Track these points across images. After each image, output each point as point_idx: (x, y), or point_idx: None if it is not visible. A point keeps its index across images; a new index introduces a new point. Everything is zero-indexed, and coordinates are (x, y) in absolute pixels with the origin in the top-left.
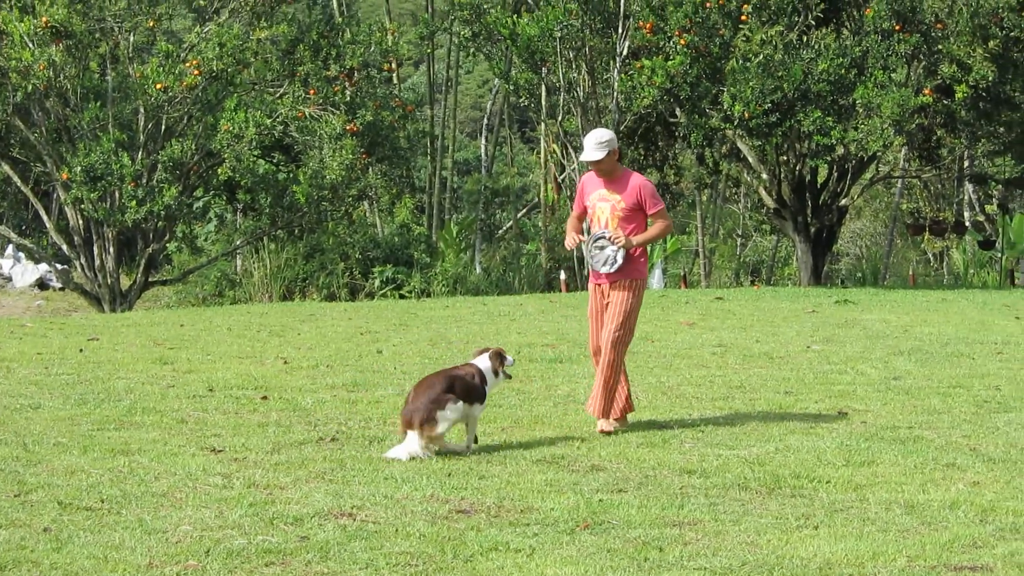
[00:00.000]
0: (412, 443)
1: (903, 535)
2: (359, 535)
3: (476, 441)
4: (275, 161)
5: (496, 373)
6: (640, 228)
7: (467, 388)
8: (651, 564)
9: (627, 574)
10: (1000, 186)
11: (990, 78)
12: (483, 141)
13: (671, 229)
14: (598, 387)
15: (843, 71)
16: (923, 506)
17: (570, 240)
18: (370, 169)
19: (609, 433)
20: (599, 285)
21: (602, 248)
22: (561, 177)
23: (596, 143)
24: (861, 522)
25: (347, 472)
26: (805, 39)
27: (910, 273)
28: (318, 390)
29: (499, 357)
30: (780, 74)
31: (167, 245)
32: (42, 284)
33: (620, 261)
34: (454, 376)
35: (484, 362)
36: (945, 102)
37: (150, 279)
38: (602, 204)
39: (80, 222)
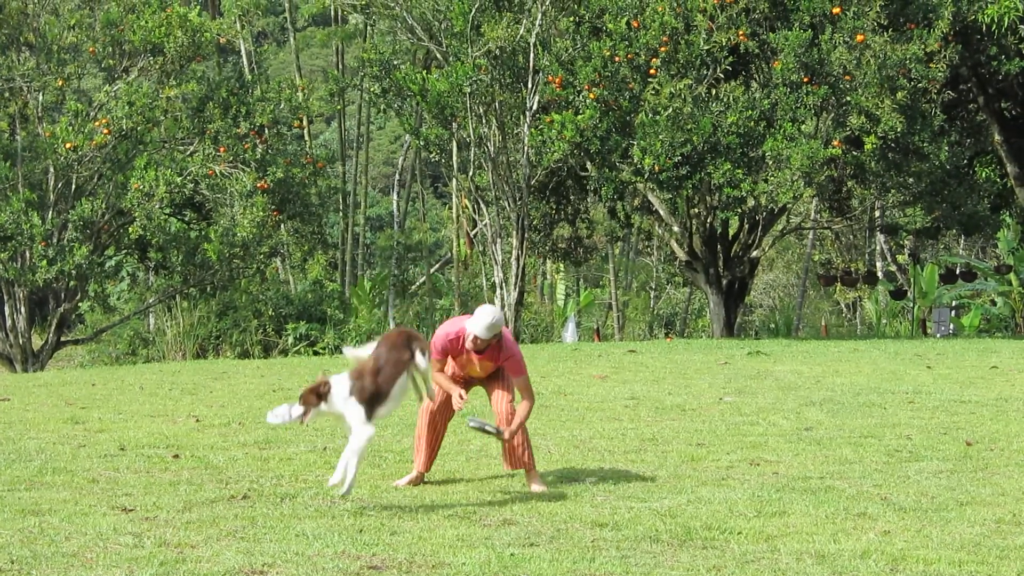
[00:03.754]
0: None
1: None
2: None
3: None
4: (186, 219)
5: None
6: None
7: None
8: None
9: None
10: (911, 236)
11: (899, 129)
12: (395, 196)
13: (531, 400)
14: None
15: (752, 123)
16: (834, 556)
17: (456, 401)
18: (282, 226)
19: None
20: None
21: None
22: (473, 232)
23: (488, 328)
24: (772, 573)
25: (259, 529)
26: (714, 92)
27: (823, 324)
28: (230, 448)
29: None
30: (689, 127)
31: (79, 304)
32: None
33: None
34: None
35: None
36: (854, 153)
37: (62, 339)
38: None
39: None
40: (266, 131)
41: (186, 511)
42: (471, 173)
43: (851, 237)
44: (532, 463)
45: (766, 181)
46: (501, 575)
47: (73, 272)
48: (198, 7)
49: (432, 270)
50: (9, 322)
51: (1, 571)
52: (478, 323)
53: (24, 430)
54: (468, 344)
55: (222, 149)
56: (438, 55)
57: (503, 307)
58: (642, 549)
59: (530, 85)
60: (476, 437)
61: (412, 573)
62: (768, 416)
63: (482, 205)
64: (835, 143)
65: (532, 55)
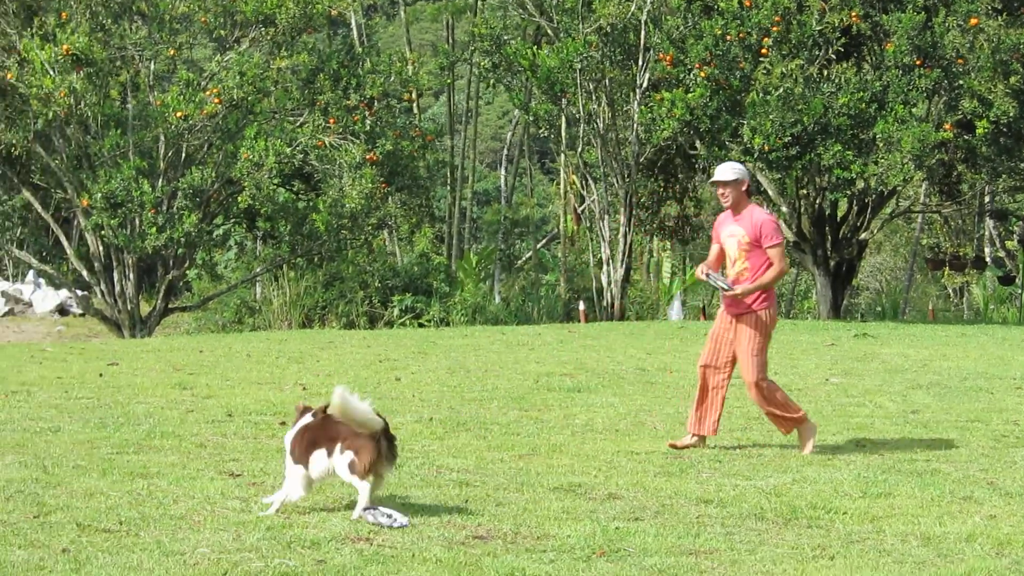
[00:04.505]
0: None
1: (919, 567)
2: (376, 559)
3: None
4: (295, 190)
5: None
6: (765, 263)
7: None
8: None
9: None
10: (1021, 222)
11: (1011, 114)
12: (503, 172)
13: (784, 271)
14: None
15: (863, 105)
16: (939, 538)
17: (698, 270)
18: (389, 198)
19: (683, 446)
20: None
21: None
22: (581, 208)
23: (728, 167)
24: (877, 553)
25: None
26: (825, 73)
27: (930, 308)
28: None
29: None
30: (800, 107)
31: (187, 272)
32: (62, 310)
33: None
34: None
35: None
36: (966, 137)
37: (170, 306)
38: (730, 240)
39: (100, 248)
40: (375, 103)
41: None
42: (580, 149)
43: (960, 222)
44: (794, 422)
45: (876, 163)
46: (606, 548)
47: (182, 240)
48: None
49: (539, 246)
50: (118, 288)
51: (110, 532)
52: (715, 172)
53: (133, 395)
54: (720, 198)
55: (331, 120)
56: (549, 31)
57: (609, 283)
58: (747, 526)
59: (640, 62)
60: (582, 412)
61: (517, 544)
62: (874, 398)
63: (590, 181)
64: (946, 127)
65: (643, 32)
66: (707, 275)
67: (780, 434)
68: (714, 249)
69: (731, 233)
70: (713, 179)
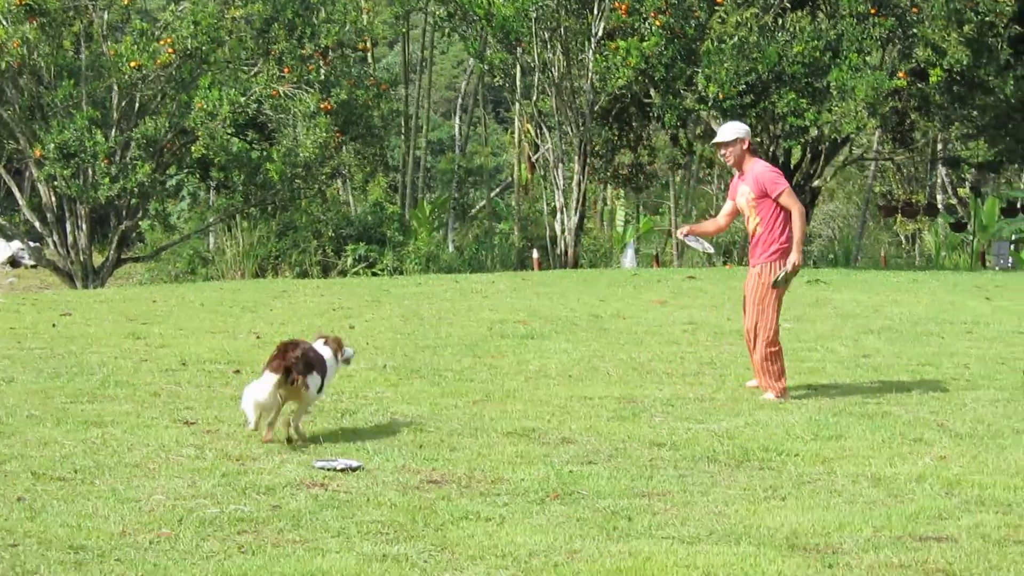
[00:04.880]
0: (267, 384)
1: (870, 507)
2: (331, 504)
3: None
4: (249, 139)
5: (336, 359)
6: (774, 212)
7: (322, 368)
8: (620, 533)
9: (596, 543)
10: (973, 169)
11: (964, 62)
12: (457, 121)
13: (803, 209)
14: (756, 367)
15: (818, 54)
16: (890, 479)
17: (680, 231)
18: (344, 148)
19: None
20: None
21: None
22: (535, 157)
23: (729, 128)
24: (828, 494)
25: (318, 443)
26: (780, 22)
27: (882, 254)
28: None
29: (338, 343)
30: (755, 56)
31: (140, 222)
32: (14, 261)
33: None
34: (318, 356)
35: (323, 349)
36: (919, 85)
37: (122, 256)
38: (741, 200)
39: (53, 199)
40: (330, 53)
41: (247, 425)
42: (534, 98)
43: (913, 169)
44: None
45: (830, 111)
46: (559, 491)
47: (135, 190)
48: None
49: (492, 194)
50: (71, 239)
51: (65, 480)
52: (717, 134)
53: (86, 344)
54: (723, 159)
55: (286, 70)
56: None
57: (563, 231)
58: (699, 469)
59: (596, 11)
60: (535, 358)
61: (471, 488)
62: (826, 343)
63: (544, 130)
64: (900, 75)
65: None
66: (686, 236)
67: (732, 379)
68: (726, 206)
69: (741, 193)
70: (714, 141)
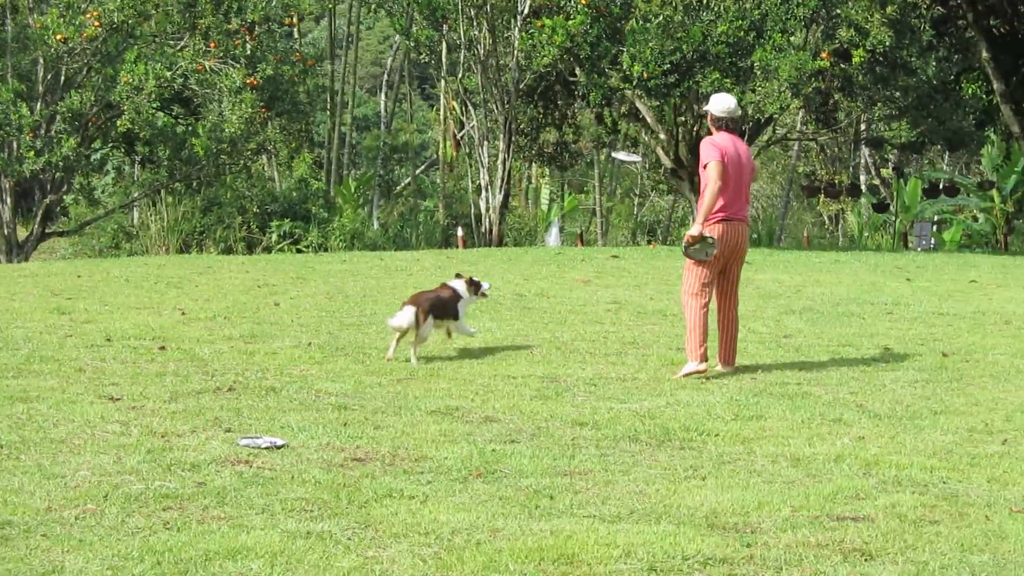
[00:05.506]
0: (408, 315)
1: (788, 486)
2: (255, 481)
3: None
4: (174, 114)
5: (470, 295)
6: (704, 184)
7: (445, 309)
8: (542, 511)
9: (518, 521)
10: (895, 150)
11: (887, 43)
12: (383, 97)
13: (714, 189)
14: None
15: (742, 33)
16: (809, 459)
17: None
18: (269, 123)
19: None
20: None
21: None
22: (460, 134)
23: (711, 98)
24: (748, 474)
25: (244, 421)
26: (705, 1)
27: (805, 235)
28: (215, 341)
29: (473, 284)
30: (679, 35)
31: (64, 197)
32: None
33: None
34: (438, 298)
35: (460, 286)
36: (842, 66)
37: (47, 230)
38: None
39: None
40: (257, 28)
41: (172, 401)
42: (460, 76)
43: (836, 149)
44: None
45: (754, 91)
46: (482, 469)
47: (60, 164)
48: None
49: (417, 171)
50: None
51: None
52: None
53: (10, 319)
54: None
55: (212, 45)
56: None
57: (487, 209)
58: (621, 448)
59: None
60: (461, 337)
61: (395, 466)
62: (748, 323)
63: (470, 107)
64: (823, 55)
65: None
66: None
67: (654, 358)
68: None
69: None
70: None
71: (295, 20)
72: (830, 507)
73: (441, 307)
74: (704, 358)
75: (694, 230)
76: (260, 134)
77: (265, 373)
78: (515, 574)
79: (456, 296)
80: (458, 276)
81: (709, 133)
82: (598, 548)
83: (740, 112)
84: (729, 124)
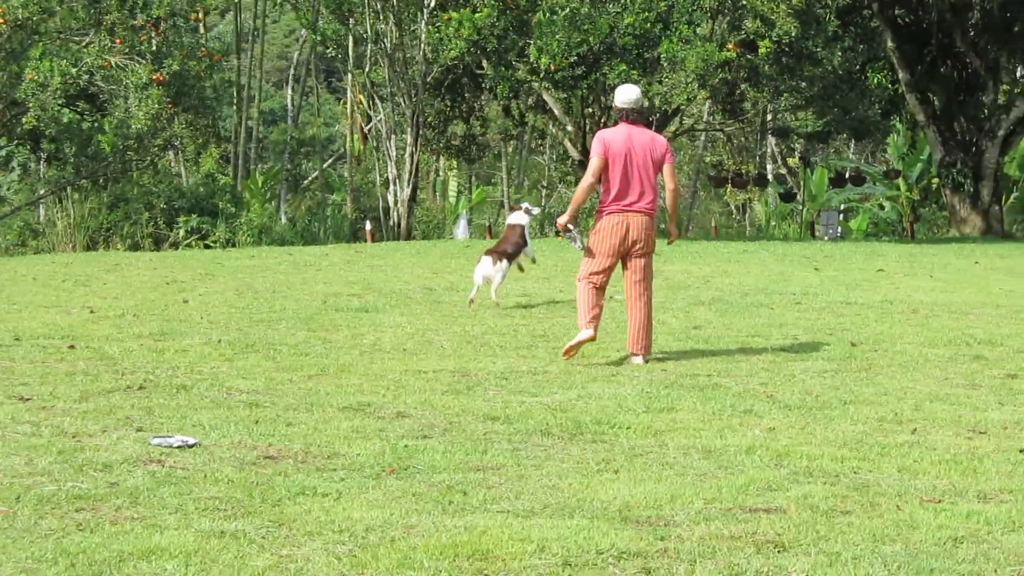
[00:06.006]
0: (487, 265)
1: (701, 479)
2: (168, 481)
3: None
4: (80, 111)
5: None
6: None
7: (516, 247)
8: (455, 507)
9: (432, 517)
10: (802, 140)
11: (793, 34)
12: (289, 91)
13: (582, 185)
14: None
15: (648, 25)
16: (720, 451)
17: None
18: (176, 119)
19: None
20: None
21: None
22: (367, 128)
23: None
24: (660, 466)
25: (155, 419)
26: None
27: (713, 225)
28: (125, 339)
29: (527, 211)
30: (586, 27)
31: None
32: None
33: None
34: (506, 247)
35: (520, 217)
36: (749, 57)
37: None
38: None
39: None
40: (162, 23)
41: (83, 401)
42: (367, 69)
43: (743, 140)
44: (645, 349)
45: (661, 83)
46: (395, 465)
47: None
48: None
49: (325, 165)
50: None
51: None
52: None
53: None
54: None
55: (118, 41)
56: None
57: (396, 203)
58: (533, 442)
59: None
60: (370, 332)
61: (307, 463)
62: (657, 314)
63: (377, 101)
64: (730, 46)
65: None
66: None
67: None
68: None
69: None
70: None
71: (200, 15)
72: (742, 499)
73: (515, 249)
74: (591, 325)
75: (560, 219)
76: (167, 130)
77: (175, 371)
78: (430, 571)
79: (521, 229)
80: (513, 209)
81: (617, 120)
82: (512, 543)
83: (643, 103)
84: (630, 115)
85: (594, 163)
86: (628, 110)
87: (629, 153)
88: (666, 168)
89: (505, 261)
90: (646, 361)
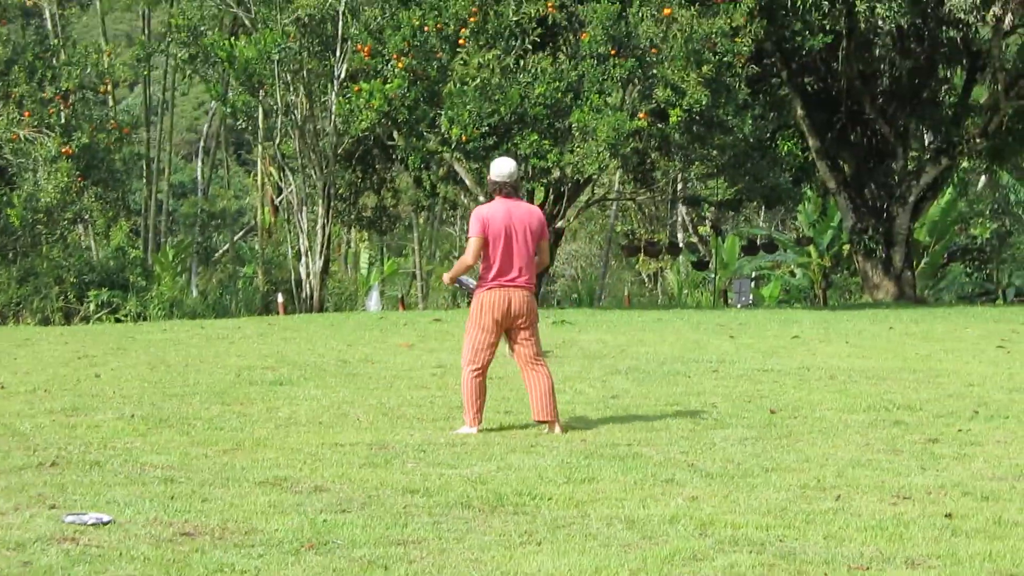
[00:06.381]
0: None
1: (625, 549)
2: (82, 559)
3: None
4: None
5: None
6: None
7: None
8: None
9: None
10: (713, 208)
11: (703, 102)
12: (199, 164)
13: (464, 259)
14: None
15: (559, 95)
16: (643, 521)
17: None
18: (85, 192)
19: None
20: None
21: None
22: (278, 200)
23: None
24: (583, 537)
25: (68, 496)
26: (522, 63)
27: (625, 294)
28: (36, 415)
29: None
30: (497, 98)
31: None
32: None
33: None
34: None
35: None
36: (659, 126)
37: None
38: None
39: None
40: (71, 96)
41: None
42: (277, 141)
43: (654, 208)
44: (555, 415)
45: (572, 152)
46: (314, 541)
47: None
48: None
49: (236, 238)
50: None
51: None
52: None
53: None
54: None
55: (27, 113)
56: (247, 21)
57: (308, 275)
58: (454, 515)
59: (339, 53)
60: (285, 405)
61: (225, 539)
62: (574, 384)
63: (287, 173)
64: (641, 115)
65: (341, 23)
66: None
67: (483, 423)
68: None
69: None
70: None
71: (110, 87)
72: (668, 569)
73: None
74: (475, 422)
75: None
76: (76, 203)
77: (88, 447)
78: None
79: None
80: None
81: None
82: None
83: (518, 176)
84: (505, 189)
85: (473, 244)
86: (503, 184)
87: (509, 229)
88: (542, 244)
89: None
90: (564, 430)
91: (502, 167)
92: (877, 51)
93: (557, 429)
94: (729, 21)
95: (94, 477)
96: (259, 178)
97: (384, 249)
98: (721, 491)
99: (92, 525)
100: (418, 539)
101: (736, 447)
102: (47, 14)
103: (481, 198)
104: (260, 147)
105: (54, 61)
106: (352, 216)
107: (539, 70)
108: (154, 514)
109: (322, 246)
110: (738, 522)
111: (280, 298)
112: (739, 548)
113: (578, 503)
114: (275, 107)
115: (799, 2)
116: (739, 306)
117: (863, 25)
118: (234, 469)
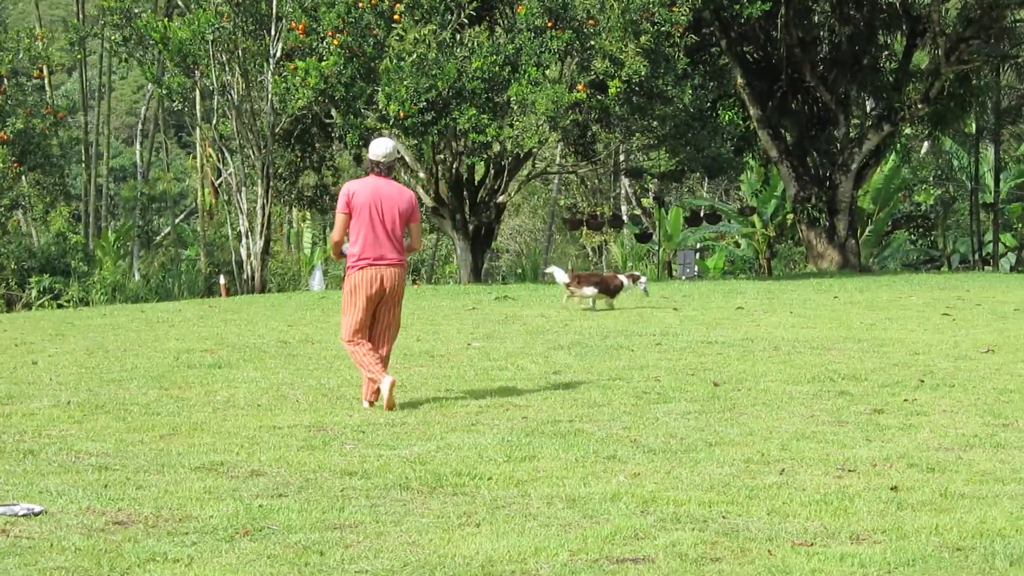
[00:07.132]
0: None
1: (565, 529)
2: (12, 551)
3: (612, 307)
4: None
5: (632, 283)
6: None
7: (607, 287)
8: (312, 569)
9: None
10: (655, 180)
11: (642, 73)
12: (138, 147)
13: (333, 238)
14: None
15: (497, 69)
16: (585, 499)
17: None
18: (23, 178)
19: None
20: None
21: None
22: (218, 181)
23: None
24: (523, 518)
25: (0, 487)
26: (458, 37)
27: (569, 268)
28: None
29: (633, 278)
30: (434, 73)
31: None
32: None
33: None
34: (605, 279)
35: (624, 278)
36: (599, 98)
37: None
38: None
39: None
40: (5, 82)
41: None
42: (215, 122)
43: (596, 181)
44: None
45: (511, 126)
46: (249, 527)
47: None
48: None
49: (177, 220)
50: None
51: None
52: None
53: None
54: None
55: None
56: (180, 2)
57: (249, 256)
58: (392, 497)
59: (273, 32)
60: (223, 388)
61: (158, 527)
62: (517, 360)
63: (226, 154)
64: (579, 87)
65: (275, 1)
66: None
67: (423, 402)
68: None
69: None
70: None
71: (45, 72)
72: (609, 548)
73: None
74: (384, 372)
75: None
76: (13, 189)
77: (23, 435)
78: None
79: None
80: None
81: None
82: None
83: (395, 157)
84: (379, 167)
85: (339, 220)
86: (377, 162)
87: (375, 205)
88: (412, 226)
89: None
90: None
91: (378, 147)
92: (816, 18)
93: (365, 404)
94: None
95: (27, 466)
96: (199, 160)
97: (326, 228)
98: (664, 467)
99: (23, 516)
100: (355, 523)
101: (679, 421)
102: None
103: (421, 173)
104: (198, 129)
105: None
106: (292, 196)
107: (476, 44)
108: (87, 503)
109: (262, 226)
110: (681, 499)
111: (222, 280)
112: (681, 525)
113: (518, 482)
114: (211, 88)
115: None
116: (683, 278)
117: None
118: (170, 455)
